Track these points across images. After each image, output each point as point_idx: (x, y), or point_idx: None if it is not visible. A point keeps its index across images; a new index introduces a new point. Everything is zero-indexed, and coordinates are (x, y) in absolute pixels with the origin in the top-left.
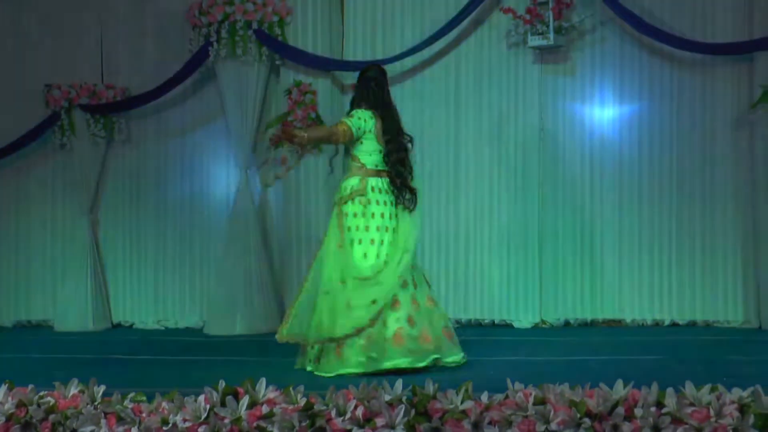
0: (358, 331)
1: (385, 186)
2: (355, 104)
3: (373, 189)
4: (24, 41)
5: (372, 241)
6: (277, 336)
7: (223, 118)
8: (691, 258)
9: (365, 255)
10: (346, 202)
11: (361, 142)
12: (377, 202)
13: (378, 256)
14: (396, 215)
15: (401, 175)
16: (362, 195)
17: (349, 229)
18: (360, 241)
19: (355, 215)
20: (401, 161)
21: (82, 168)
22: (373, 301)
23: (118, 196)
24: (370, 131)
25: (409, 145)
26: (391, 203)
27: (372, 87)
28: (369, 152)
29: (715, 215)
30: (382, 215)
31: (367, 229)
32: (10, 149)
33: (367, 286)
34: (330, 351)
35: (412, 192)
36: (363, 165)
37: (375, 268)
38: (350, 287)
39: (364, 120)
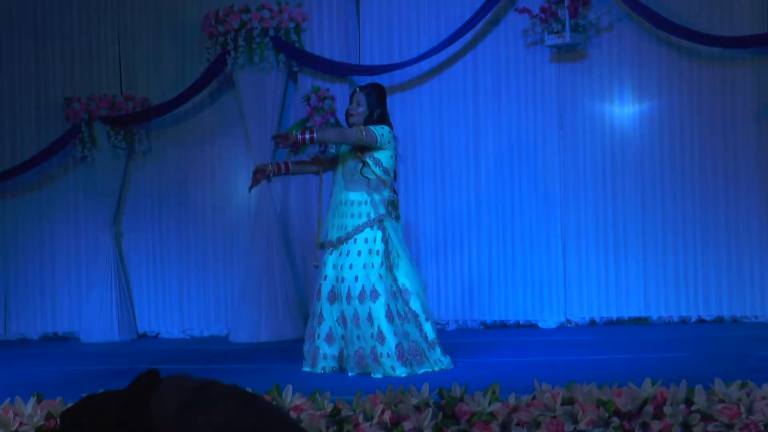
0: None
1: None
2: (381, 120)
3: None
4: (43, 54)
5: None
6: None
7: (243, 126)
8: (716, 253)
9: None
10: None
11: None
12: None
13: None
14: None
15: None
16: None
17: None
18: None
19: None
20: None
21: (104, 180)
22: None
23: (140, 207)
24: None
25: None
26: None
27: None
28: None
29: (740, 209)
30: None
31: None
32: (32, 163)
33: None
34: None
35: None
36: None
37: None
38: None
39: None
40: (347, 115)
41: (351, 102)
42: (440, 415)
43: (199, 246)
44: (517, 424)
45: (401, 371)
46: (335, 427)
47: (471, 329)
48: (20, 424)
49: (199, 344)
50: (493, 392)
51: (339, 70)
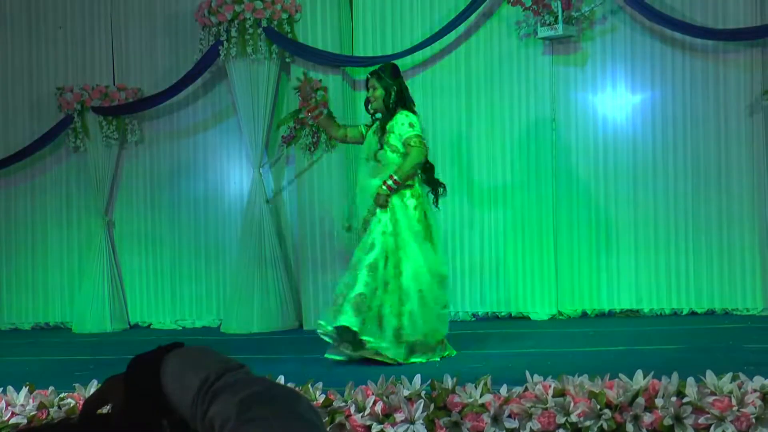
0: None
1: None
2: (400, 104)
3: None
4: (36, 44)
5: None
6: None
7: (235, 116)
8: (708, 246)
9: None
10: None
11: None
12: None
13: None
14: None
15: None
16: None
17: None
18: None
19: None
20: None
21: (96, 170)
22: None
23: (132, 198)
24: None
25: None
26: None
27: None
28: None
29: (732, 202)
30: None
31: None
32: (24, 153)
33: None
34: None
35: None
36: None
37: None
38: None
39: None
40: (366, 102)
41: (367, 90)
42: (432, 406)
43: (191, 236)
44: (509, 416)
45: None
46: (327, 418)
47: (462, 321)
48: (12, 413)
49: (190, 335)
50: (485, 384)
51: (332, 61)
